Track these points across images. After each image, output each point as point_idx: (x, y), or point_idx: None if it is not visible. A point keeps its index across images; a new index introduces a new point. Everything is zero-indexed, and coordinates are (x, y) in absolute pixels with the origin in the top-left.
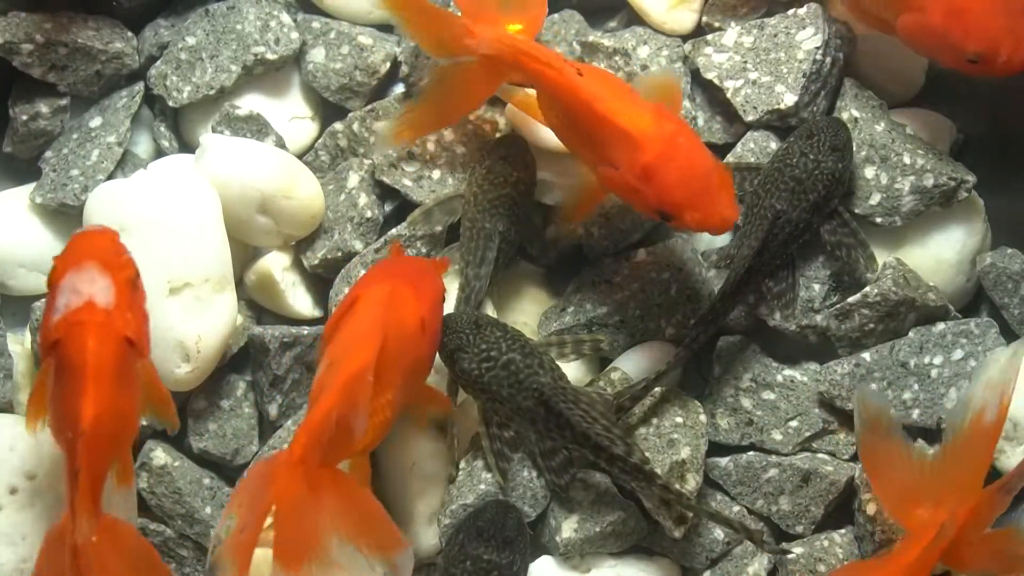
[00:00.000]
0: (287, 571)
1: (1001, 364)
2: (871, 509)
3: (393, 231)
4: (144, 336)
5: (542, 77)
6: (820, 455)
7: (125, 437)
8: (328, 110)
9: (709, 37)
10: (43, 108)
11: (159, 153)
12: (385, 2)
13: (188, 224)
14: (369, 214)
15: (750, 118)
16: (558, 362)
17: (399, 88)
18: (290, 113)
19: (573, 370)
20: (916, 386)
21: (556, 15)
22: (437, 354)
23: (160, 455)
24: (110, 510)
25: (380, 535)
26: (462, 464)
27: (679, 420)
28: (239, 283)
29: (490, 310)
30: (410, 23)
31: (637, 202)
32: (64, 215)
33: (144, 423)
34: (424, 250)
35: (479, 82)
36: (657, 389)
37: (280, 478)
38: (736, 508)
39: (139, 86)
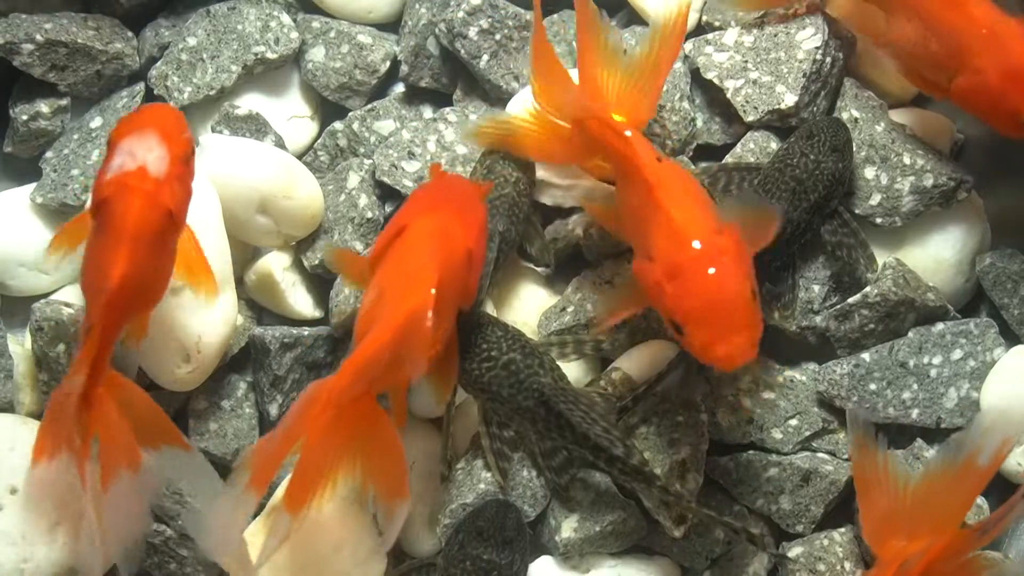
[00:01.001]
0: (291, 513)
1: (1007, 417)
2: None
3: None
4: (186, 211)
5: (618, 155)
6: (820, 454)
7: (147, 304)
8: (327, 109)
9: (709, 36)
10: (44, 108)
11: None
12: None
13: (188, 223)
14: (370, 215)
15: (750, 118)
16: (559, 362)
17: (399, 87)
18: (289, 112)
19: (574, 370)
20: (915, 386)
21: (556, 15)
22: None
23: None
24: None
25: (390, 481)
26: (461, 464)
27: (680, 419)
28: (239, 283)
29: (490, 310)
30: (544, 75)
31: (656, 302)
32: (64, 215)
33: None
34: None
35: (568, 146)
36: (657, 388)
37: (316, 410)
38: (736, 507)
39: (139, 86)
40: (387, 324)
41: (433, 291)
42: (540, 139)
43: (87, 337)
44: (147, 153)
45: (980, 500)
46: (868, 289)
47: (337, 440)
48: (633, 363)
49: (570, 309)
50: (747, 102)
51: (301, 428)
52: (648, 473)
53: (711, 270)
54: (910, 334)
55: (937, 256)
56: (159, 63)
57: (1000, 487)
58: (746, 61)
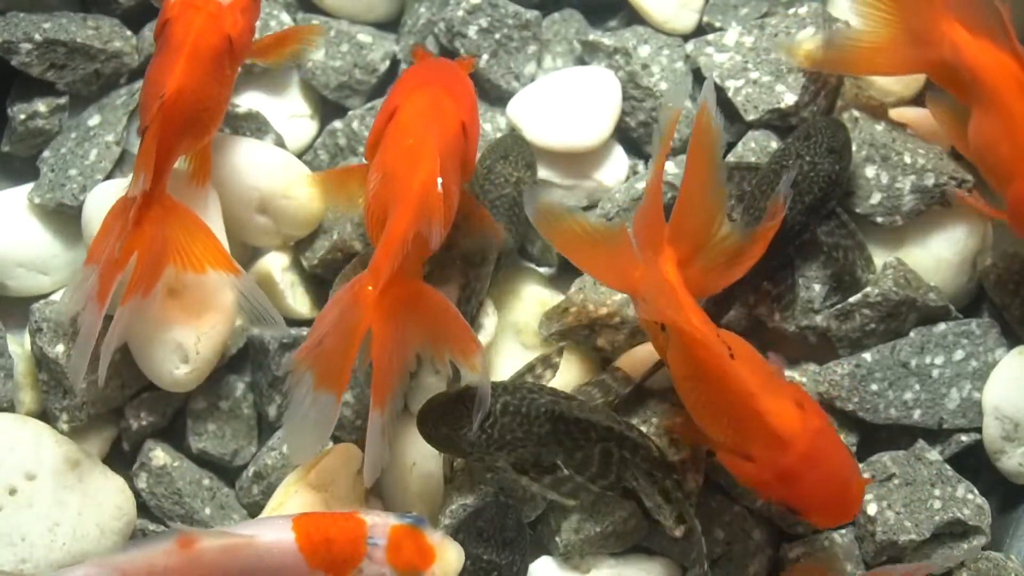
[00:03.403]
0: (379, 409)
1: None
2: (871, 510)
3: None
4: (245, 44)
5: (687, 343)
6: None
7: (203, 127)
8: (327, 108)
9: (710, 37)
10: (41, 107)
11: None
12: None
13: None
14: None
15: (751, 117)
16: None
17: None
18: (289, 111)
19: (574, 371)
20: (917, 386)
21: (556, 14)
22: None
23: (159, 455)
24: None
25: (460, 341)
26: (460, 462)
27: (679, 420)
28: None
29: (490, 310)
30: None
31: (765, 493)
32: (63, 215)
33: (144, 422)
34: None
35: (618, 268)
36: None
37: (370, 301)
38: (736, 508)
39: (138, 84)
40: (404, 205)
41: (438, 167)
42: (599, 259)
43: (142, 141)
44: None
45: (981, 501)
46: (869, 288)
47: (401, 322)
48: (632, 363)
49: (572, 309)
50: (747, 101)
51: (362, 327)
52: (668, 462)
53: (822, 462)
54: (911, 334)
55: (938, 256)
56: None
57: (1001, 487)
58: (746, 61)
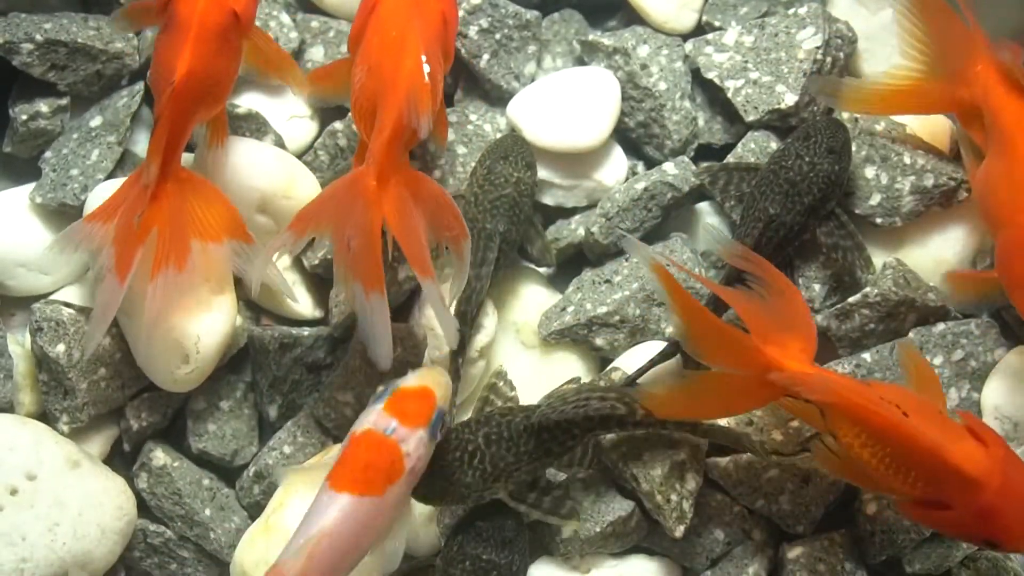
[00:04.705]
0: (427, 278)
1: None
2: (871, 509)
3: None
4: (251, 15)
5: (861, 415)
6: None
7: (214, 100)
8: (327, 109)
9: (710, 36)
10: (43, 108)
11: None
12: (682, 320)
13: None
14: None
15: (751, 118)
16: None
17: None
18: (289, 111)
19: (574, 371)
20: None
21: (556, 14)
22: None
23: (159, 455)
24: (200, 169)
25: (452, 227)
26: None
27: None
28: (238, 283)
29: (490, 309)
30: (702, 337)
31: (966, 535)
32: (64, 215)
33: (145, 423)
34: None
35: (750, 396)
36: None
37: (374, 194)
38: (736, 508)
39: (139, 85)
40: (393, 97)
41: (423, 57)
42: (715, 397)
43: (154, 128)
44: None
45: None
46: (868, 289)
47: (407, 206)
48: (632, 363)
49: (570, 309)
50: (747, 102)
51: (375, 218)
52: (656, 419)
53: (1016, 489)
54: (911, 334)
55: (938, 256)
56: None
57: None
58: (746, 61)
